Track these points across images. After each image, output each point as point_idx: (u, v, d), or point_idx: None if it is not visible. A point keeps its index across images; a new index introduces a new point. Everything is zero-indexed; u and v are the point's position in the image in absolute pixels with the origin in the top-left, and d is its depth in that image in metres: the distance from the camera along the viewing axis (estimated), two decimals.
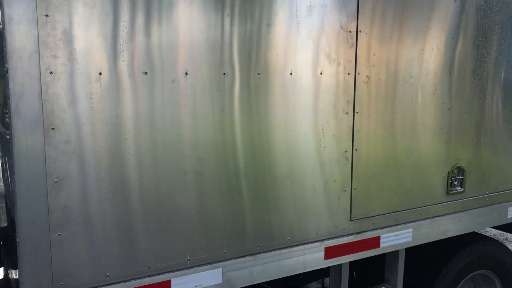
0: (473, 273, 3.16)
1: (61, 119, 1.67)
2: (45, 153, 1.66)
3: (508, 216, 3.02)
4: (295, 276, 2.72)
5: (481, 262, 3.15)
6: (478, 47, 2.68)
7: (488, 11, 2.69)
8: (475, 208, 2.86)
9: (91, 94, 1.71)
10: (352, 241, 2.42)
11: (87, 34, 1.68)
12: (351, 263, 2.53)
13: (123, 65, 1.75)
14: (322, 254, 2.33)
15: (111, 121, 1.75)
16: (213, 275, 2.04)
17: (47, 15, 1.61)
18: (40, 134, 1.64)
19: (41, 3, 1.59)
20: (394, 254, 2.73)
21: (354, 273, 2.94)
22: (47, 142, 1.66)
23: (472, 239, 3.18)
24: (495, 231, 4.51)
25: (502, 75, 2.82)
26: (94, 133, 1.73)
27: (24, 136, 1.62)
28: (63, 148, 1.69)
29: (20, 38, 1.58)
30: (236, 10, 1.95)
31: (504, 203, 2.99)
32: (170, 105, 1.86)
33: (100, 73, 1.71)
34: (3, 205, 2.95)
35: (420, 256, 3.09)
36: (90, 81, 1.70)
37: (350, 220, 2.40)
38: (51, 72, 1.63)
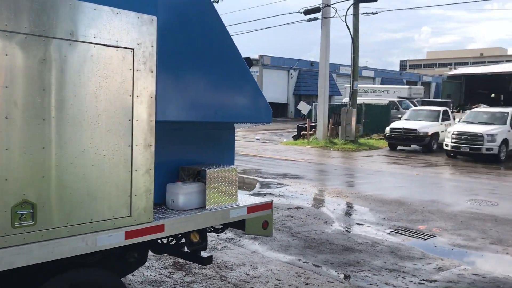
0: None
1: None
2: None
3: (98, 244, 3.42)
4: None
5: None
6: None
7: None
8: (52, 239, 3.17)
9: None
10: None
11: None
12: None
13: None
14: None
15: None
16: None
17: None
18: None
19: None
20: None
21: None
22: None
23: (73, 266, 3.55)
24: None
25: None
26: None
27: None
28: None
29: None
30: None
31: (91, 233, 3.37)
32: None
33: None
34: None
35: (20, 279, 3.37)
36: None
37: None
38: None
